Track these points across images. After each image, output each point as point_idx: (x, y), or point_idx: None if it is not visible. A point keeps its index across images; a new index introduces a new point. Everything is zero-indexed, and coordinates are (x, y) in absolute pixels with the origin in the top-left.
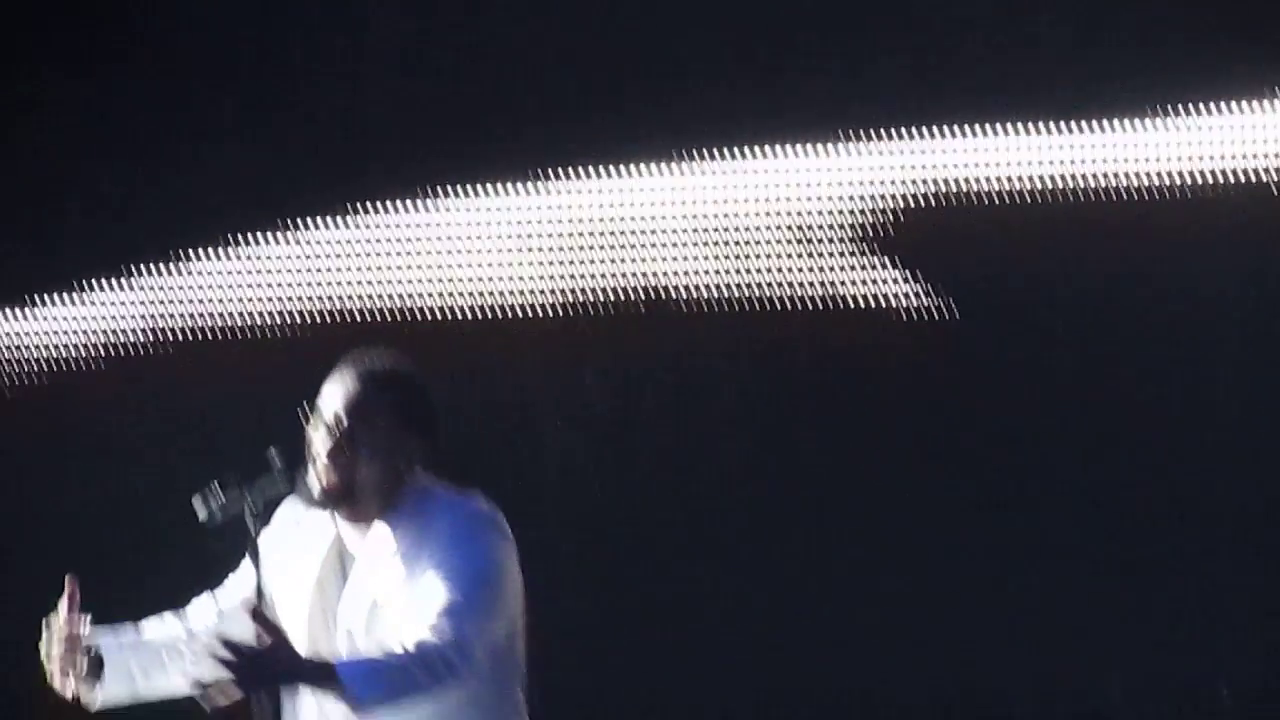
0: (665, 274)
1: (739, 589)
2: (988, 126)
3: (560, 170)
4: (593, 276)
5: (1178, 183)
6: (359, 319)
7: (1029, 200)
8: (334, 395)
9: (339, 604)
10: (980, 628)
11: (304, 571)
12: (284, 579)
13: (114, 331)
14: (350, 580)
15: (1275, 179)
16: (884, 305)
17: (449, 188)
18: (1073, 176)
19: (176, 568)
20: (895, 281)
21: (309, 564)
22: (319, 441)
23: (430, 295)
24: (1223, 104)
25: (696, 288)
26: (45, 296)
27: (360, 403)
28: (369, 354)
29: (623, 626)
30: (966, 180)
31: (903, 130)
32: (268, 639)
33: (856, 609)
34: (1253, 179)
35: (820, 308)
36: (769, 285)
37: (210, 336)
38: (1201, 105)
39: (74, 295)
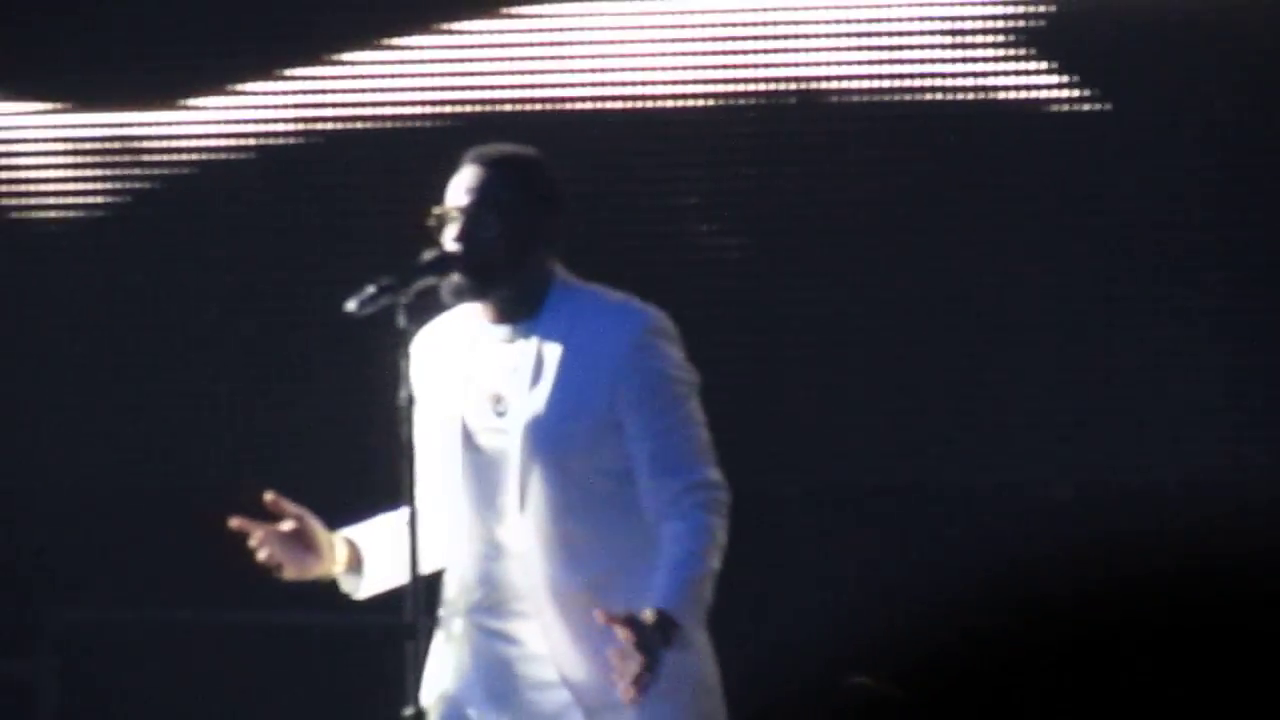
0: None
1: (859, 385)
2: None
3: None
4: (744, 76)
5: None
6: (510, 115)
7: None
8: (459, 181)
9: (499, 408)
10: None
11: (458, 376)
12: (439, 384)
13: (265, 133)
14: (509, 383)
15: None
16: (1038, 105)
17: None
18: None
19: (325, 356)
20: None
21: (465, 369)
22: (451, 230)
23: (581, 91)
24: None
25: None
26: (196, 97)
27: (484, 182)
28: (490, 145)
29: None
30: None
31: None
32: (649, 616)
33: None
34: None
35: (972, 107)
36: (920, 83)
37: (361, 135)
38: None
39: (224, 96)
